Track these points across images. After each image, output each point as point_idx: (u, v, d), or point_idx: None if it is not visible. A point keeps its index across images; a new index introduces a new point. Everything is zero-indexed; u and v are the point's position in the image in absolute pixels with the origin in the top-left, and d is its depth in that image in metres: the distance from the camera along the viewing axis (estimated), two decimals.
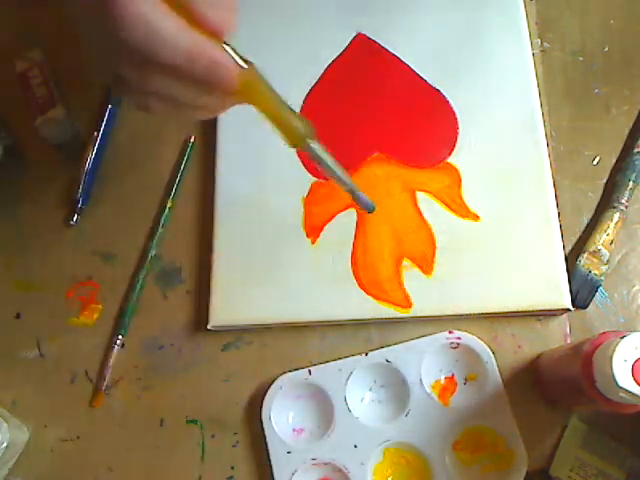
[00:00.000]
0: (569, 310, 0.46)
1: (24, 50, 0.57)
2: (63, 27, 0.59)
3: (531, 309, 0.46)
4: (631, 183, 0.49)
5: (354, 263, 0.48)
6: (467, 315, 0.47)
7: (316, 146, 0.37)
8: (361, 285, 0.48)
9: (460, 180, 0.50)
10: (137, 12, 0.30)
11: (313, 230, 0.50)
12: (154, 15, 0.31)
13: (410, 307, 0.47)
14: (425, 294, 0.47)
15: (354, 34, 0.54)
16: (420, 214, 0.49)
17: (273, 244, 0.49)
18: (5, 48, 0.59)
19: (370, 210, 0.42)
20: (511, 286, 0.47)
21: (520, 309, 0.46)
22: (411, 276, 0.48)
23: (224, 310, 0.48)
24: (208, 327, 0.48)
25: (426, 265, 0.48)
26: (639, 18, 0.55)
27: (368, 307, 0.47)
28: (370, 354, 0.47)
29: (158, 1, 0.31)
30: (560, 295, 0.46)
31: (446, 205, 0.49)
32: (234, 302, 0.48)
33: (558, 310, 0.47)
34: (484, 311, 0.47)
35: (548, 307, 0.46)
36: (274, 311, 0.48)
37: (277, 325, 0.48)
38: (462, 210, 0.49)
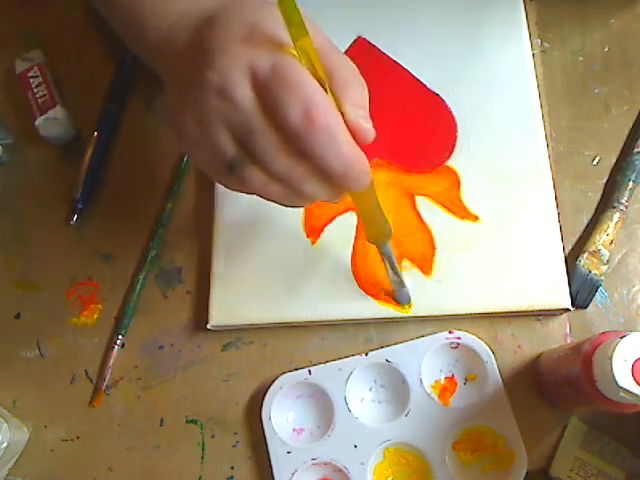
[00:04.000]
0: (568, 310, 0.46)
1: (24, 50, 0.57)
2: (63, 27, 0.59)
3: (530, 309, 0.46)
4: (631, 183, 0.49)
5: (354, 263, 0.48)
6: (466, 315, 0.47)
7: (389, 248, 0.43)
8: (361, 285, 0.48)
9: (459, 182, 0.50)
10: (330, 124, 0.32)
11: (313, 231, 0.50)
12: (338, 127, 0.33)
13: (410, 307, 0.47)
14: (424, 294, 0.47)
15: (354, 38, 0.54)
16: (419, 217, 0.49)
17: (273, 244, 0.49)
18: (5, 48, 0.59)
19: (404, 303, 0.47)
20: (510, 286, 0.47)
21: (519, 309, 0.46)
22: (411, 276, 0.48)
23: (224, 310, 0.48)
24: (208, 327, 0.48)
25: (425, 265, 0.48)
26: (639, 18, 0.55)
27: (368, 307, 0.47)
28: (370, 354, 0.47)
29: (338, 112, 0.33)
30: (559, 295, 0.46)
31: (445, 207, 0.49)
32: (234, 302, 0.48)
33: (558, 310, 0.47)
34: (483, 311, 0.47)
35: (548, 307, 0.46)
36: (274, 311, 0.48)
37: (277, 325, 0.48)
38: (461, 212, 0.49)
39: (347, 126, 0.34)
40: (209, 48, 0.34)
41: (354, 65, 0.36)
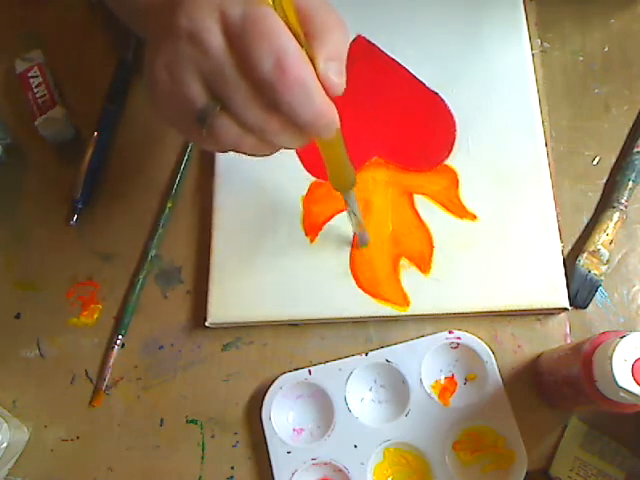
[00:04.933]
0: (567, 309, 0.46)
1: (24, 50, 0.57)
2: (63, 27, 0.59)
3: (529, 308, 0.46)
4: (631, 183, 0.49)
5: (352, 262, 0.48)
6: (464, 314, 0.47)
7: (353, 195, 0.43)
8: (359, 283, 0.48)
9: (457, 181, 0.50)
10: (301, 76, 0.32)
11: (312, 229, 0.50)
12: (309, 79, 0.32)
13: (408, 305, 0.47)
14: (423, 293, 0.47)
15: (354, 37, 0.54)
16: (418, 215, 0.49)
17: (272, 242, 0.49)
18: (5, 48, 0.59)
19: (362, 245, 0.49)
20: (508, 285, 0.47)
21: (518, 308, 0.47)
22: (409, 275, 0.48)
23: (222, 307, 0.48)
24: (206, 324, 0.48)
25: (424, 264, 0.48)
26: (639, 18, 0.55)
27: (366, 305, 0.47)
28: (370, 354, 0.47)
29: (309, 63, 0.33)
30: (558, 294, 0.46)
31: (444, 206, 0.49)
32: (232, 299, 0.48)
33: (556, 309, 0.47)
34: (481, 310, 0.47)
35: (546, 306, 0.46)
36: (272, 309, 0.48)
37: (275, 323, 0.49)
38: (460, 211, 0.49)
39: (318, 77, 0.33)
40: None
41: (335, 10, 0.35)
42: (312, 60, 0.33)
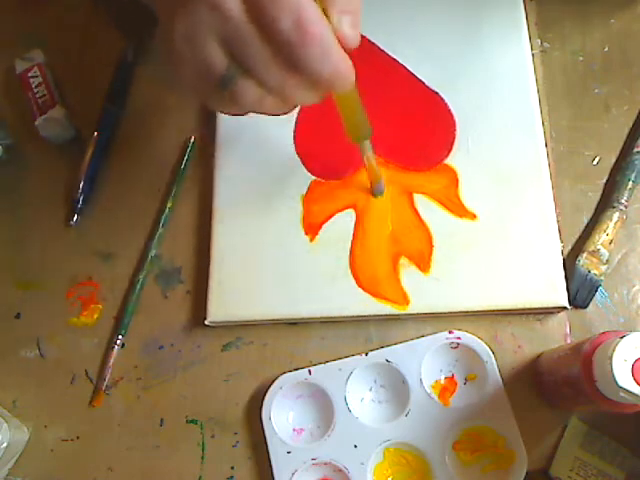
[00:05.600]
0: (566, 308, 0.46)
1: (24, 50, 0.57)
2: (63, 27, 0.59)
3: (528, 307, 0.46)
4: (631, 183, 0.49)
5: (352, 261, 0.48)
6: (464, 313, 0.47)
7: (369, 144, 0.44)
8: (359, 282, 0.48)
9: (457, 181, 0.50)
10: (319, 33, 0.32)
11: (312, 228, 0.50)
12: (328, 36, 0.33)
13: (407, 304, 0.47)
14: (422, 291, 0.47)
15: None
16: (417, 214, 0.49)
17: (271, 241, 0.50)
18: (5, 48, 0.59)
19: (377, 194, 0.50)
20: (508, 284, 0.47)
21: (517, 307, 0.47)
22: (408, 274, 0.48)
23: (222, 306, 0.48)
24: (206, 322, 0.48)
25: (423, 263, 0.48)
26: (639, 18, 0.55)
27: (365, 304, 0.47)
28: (370, 354, 0.47)
29: (326, 20, 0.33)
30: (557, 293, 0.46)
31: (443, 205, 0.49)
32: (232, 298, 0.48)
33: (555, 308, 0.47)
34: (481, 309, 0.47)
35: (545, 305, 0.46)
36: (272, 307, 0.48)
37: (275, 321, 0.49)
38: (459, 210, 0.49)
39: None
40: None
41: None
42: (326, 14, 0.33)
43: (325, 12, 0.34)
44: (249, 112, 0.37)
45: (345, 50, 0.34)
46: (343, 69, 0.34)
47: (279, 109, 0.37)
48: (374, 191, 0.50)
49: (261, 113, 0.37)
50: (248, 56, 0.33)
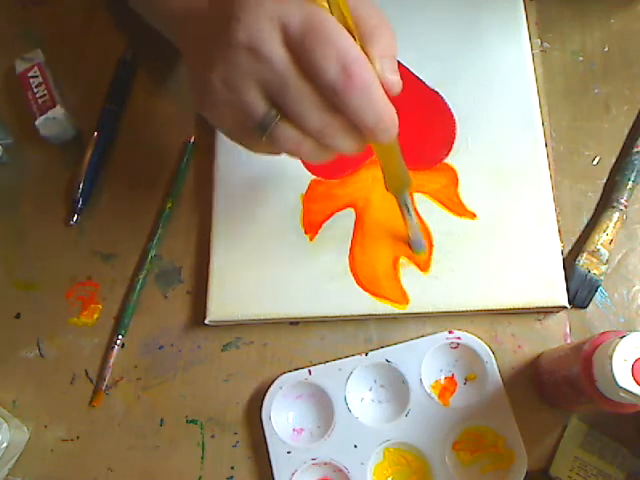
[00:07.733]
0: (565, 308, 0.46)
1: (24, 50, 0.57)
2: (63, 27, 0.59)
3: (527, 306, 0.46)
4: (631, 183, 0.49)
5: (352, 260, 0.49)
6: (464, 312, 0.47)
7: (408, 197, 0.43)
8: (358, 281, 0.48)
9: (457, 180, 0.50)
10: (366, 80, 0.32)
11: (311, 227, 0.50)
12: (373, 82, 0.33)
13: (407, 303, 0.47)
14: (422, 291, 0.47)
15: None
16: (417, 214, 0.49)
17: (271, 240, 0.50)
18: (5, 48, 0.59)
19: (417, 251, 0.48)
20: (507, 283, 0.47)
21: (516, 306, 0.46)
22: (408, 273, 0.48)
23: (222, 305, 0.48)
24: (206, 322, 0.48)
25: (423, 262, 0.48)
26: (639, 18, 0.55)
27: (365, 303, 0.47)
28: (370, 354, 0.47)
29: (372, 66, 0.33)
30: (556, 292, 0.46)
31: (443, 204, 0.49)
32: (232, 297, 0.48)
33: (555, 308, 0.47)
34: (480, 308, 0.47)
35: (544, 304, 0.46)
36: (271, 306, 0.48)
37: (274, 321, 0.49)
38: (459, 209, 0.49)
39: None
40: (233, 2, 0.33)
41: (382, 12, 0.36)
42: (369, 60, 0.33)
43: (367, 56, 0.33)
44: (288, 154, 0.36)
45: (388, 96, 0.34)
46: (387, 118, 0.34)
47: (317, 155, 0.36)
48: (413, 246, 0.48)
49: (298, 158, 0.37)
50: (291, 101, 0.33)
